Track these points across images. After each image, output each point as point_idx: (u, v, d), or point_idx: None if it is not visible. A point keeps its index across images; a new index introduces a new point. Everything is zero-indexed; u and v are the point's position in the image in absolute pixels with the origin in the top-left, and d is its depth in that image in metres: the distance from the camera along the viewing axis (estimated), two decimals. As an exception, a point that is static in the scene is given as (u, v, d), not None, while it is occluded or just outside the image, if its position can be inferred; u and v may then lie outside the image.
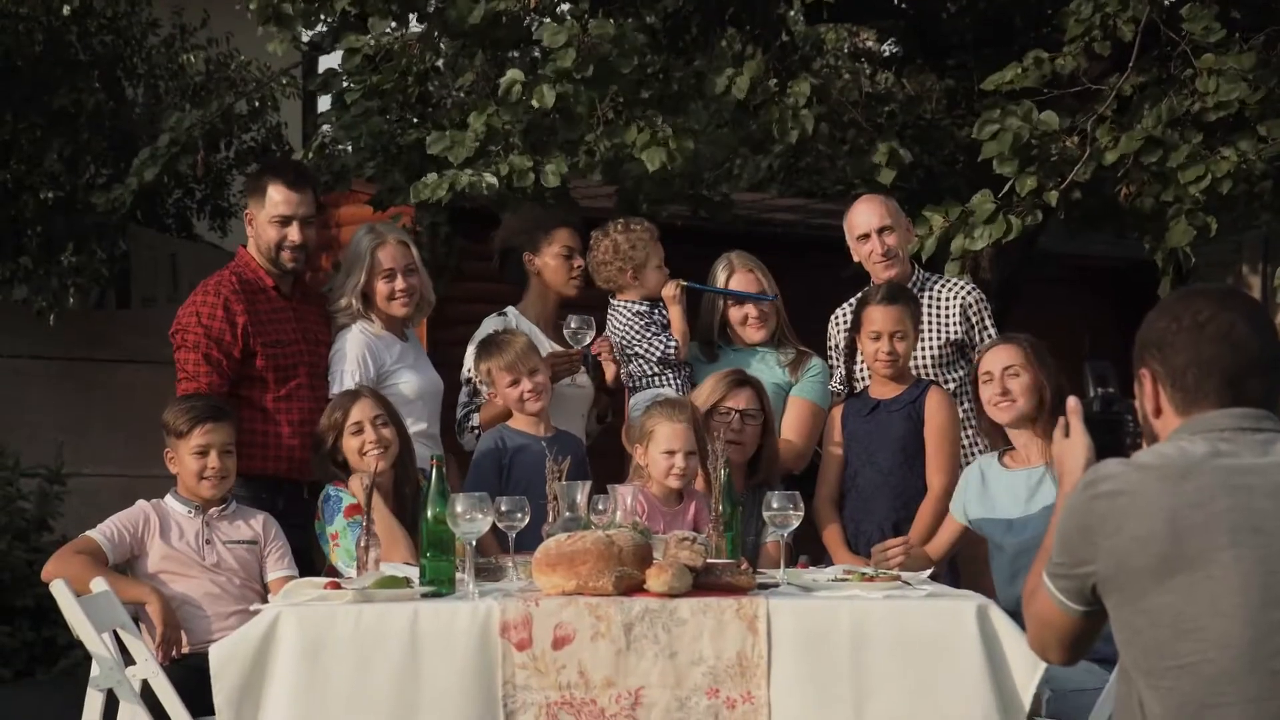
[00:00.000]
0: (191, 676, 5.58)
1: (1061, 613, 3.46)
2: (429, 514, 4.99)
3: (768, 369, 7.03)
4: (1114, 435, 3.89)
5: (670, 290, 7.07)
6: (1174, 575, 3.19)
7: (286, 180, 6.85)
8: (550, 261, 7.15)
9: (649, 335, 7.05)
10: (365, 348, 6.75)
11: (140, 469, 10.98)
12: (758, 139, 10.06)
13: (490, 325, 7.01)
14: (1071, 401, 3.87)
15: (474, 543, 4.93)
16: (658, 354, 7.03)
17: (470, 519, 4.88)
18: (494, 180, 8.11)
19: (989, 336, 7.18)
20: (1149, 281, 13.38)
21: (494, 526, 5.08)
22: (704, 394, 6.59)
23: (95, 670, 5.41)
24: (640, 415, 6.44)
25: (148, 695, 5.41)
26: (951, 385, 7.08)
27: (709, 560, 5.00)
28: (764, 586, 5.05)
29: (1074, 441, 3.80)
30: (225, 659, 4.69)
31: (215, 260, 11.31)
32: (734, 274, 7.13)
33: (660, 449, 6.18)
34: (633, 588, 4.80)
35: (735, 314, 7.13)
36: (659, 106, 8.69)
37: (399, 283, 6.83)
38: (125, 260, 11.47)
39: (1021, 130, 7.92)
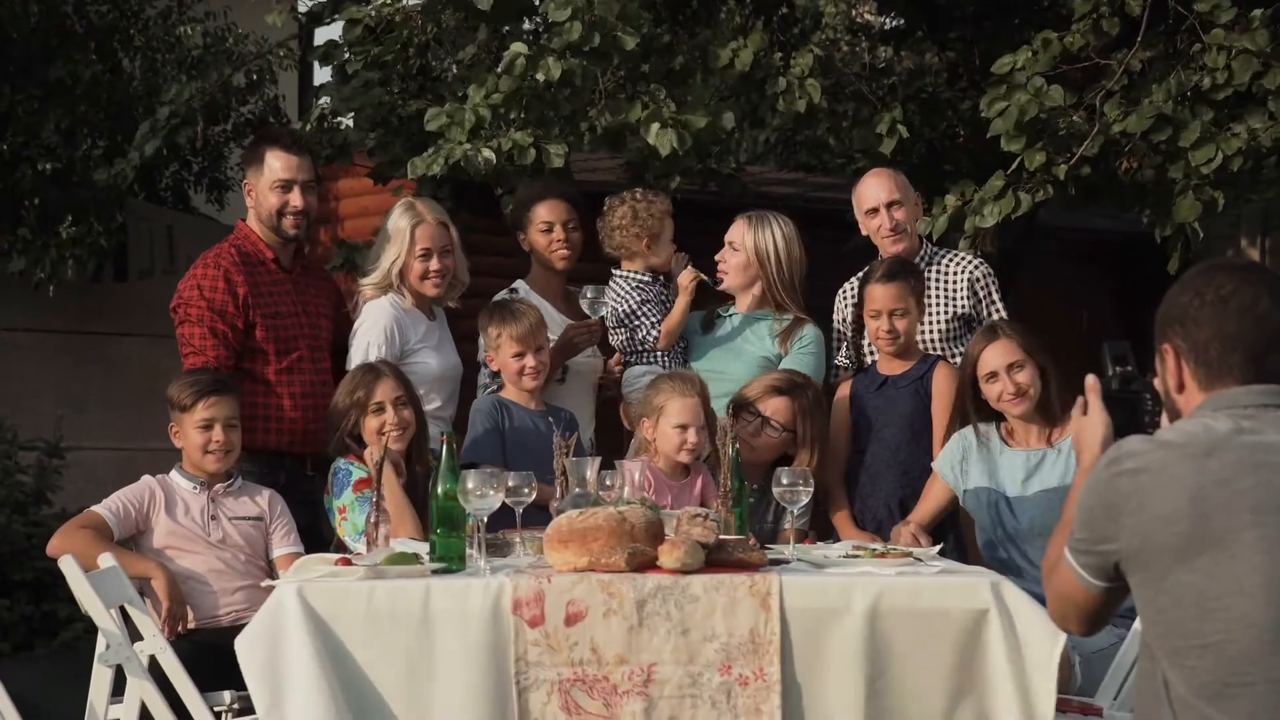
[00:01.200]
0: (197, 652, 5.60)
1: (1083, 588, 3.45)
2: (439, 490, 4.95)
3: (758, 339, 7.03)
4: (1132, 413, 3.88)
5: (687, 278, 7.03)
6: (1198, 554, 3.18)
7: (284, 146, 6.85)
8: (534, 237, 7.14)
9: (642, 312, 7.03)
10: (394, 321, 6.72)
11: (138, 442, 10.96)
12: (758, 112, 10.02)
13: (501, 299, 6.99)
14: (1090, 380, 3.87)
15: (485, 519, 4.90)
16: (640, 334, 7.01)
17: (481, 495, 4.85)
18: (491, 155, 8.06)
19: (997, 311, 7.18)
20: (1146, 256, 13.39)
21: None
22: (752, 385, 6.62)
23: (103, 646, 5.39)
24: (648, 390, 6.43)
25: (154, 670, 5.39)
26: (958, 360, 7.05)
27: (721, 537, 4.97)
28: (775, 563, 5.03)
29: (1092, 419, 3.80)
30: (251, 642, 4.65)
31: (212, 233, 11.27)
32: (737, 219, 7.17)
33: (672, 423, 6.20)
34: (645, 564, 4.77)
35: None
36: (663, 80, 8.65)
37: (434, 263, 6.81)
38: (122, 233, 11.41)
39: (1029, 105, 7.89)
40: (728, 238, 7.10)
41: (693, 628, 4.68)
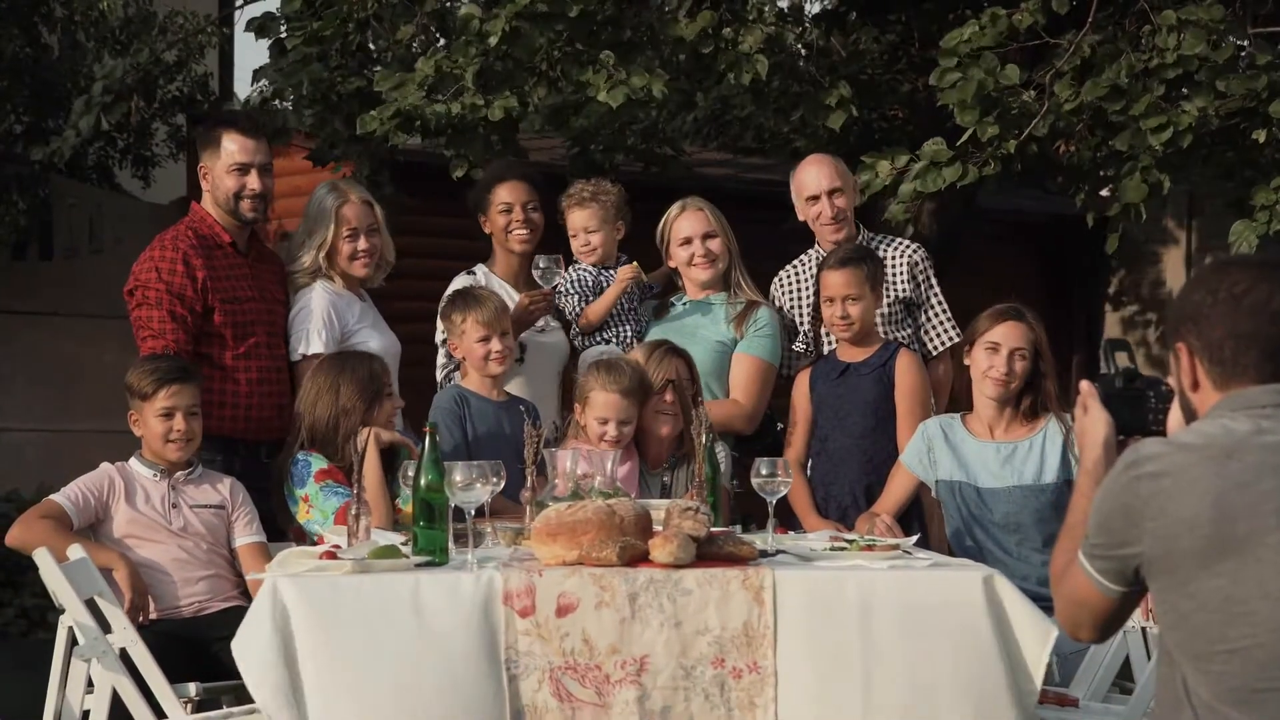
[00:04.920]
0: (159, 642, 5.53)
1: (1100, 593, 3.42)
2: (422, 482, 4.91)
3: (714, 325, 6.97)
4: (1136, 411, 3.87)
5: (628, 273, 6.97)
6: (1222, 558, 3.16)
7: (240, 129, 6.78)
8: (494, 219, 7.08)
9: (570, 298, 7.03)
10: (330, 306, 6.67)
11: (63, 423, 10.84)
12: (700, 87, 10.01)
13: (460, 283, 6.94)
14: (1084, 385, 3.85)
15: (473, 512, 4.86)
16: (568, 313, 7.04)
17: (468, 488, 4.80)
18: (442, 109, 8.05)
19: (934, 294, 7.19)
20: (1072, 236, 13.51)
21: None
22: (645, 360, 6.52)
23: (73, 640, 5.35)
24: (583, 375, 6.41)
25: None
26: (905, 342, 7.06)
27: (711, 530, 4.94)
28: (761, 555, 5.01)
29: (1094, 418, 3.77)
30: (248, 641, 4.57)
31: (138, 211, 11.13)
32: (684, 211, 7.06)
33: (594, 415, 6.16)
34: (636, 558, 4.74)
35: (682, 255, 7.05)
36: (613, 50, 8.64)
37: (361, 243, 6.76)
38: (47, 211, 11.26)
39: (985, 81, 7.91)
40: (696, 231, 6.99)
41: (685, 621, 4.66)
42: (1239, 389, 3.36)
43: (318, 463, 6.06)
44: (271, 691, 4.52)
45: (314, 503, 6.01)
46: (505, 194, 7.04)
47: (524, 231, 7.04)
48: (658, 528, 4.91)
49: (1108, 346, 4.08)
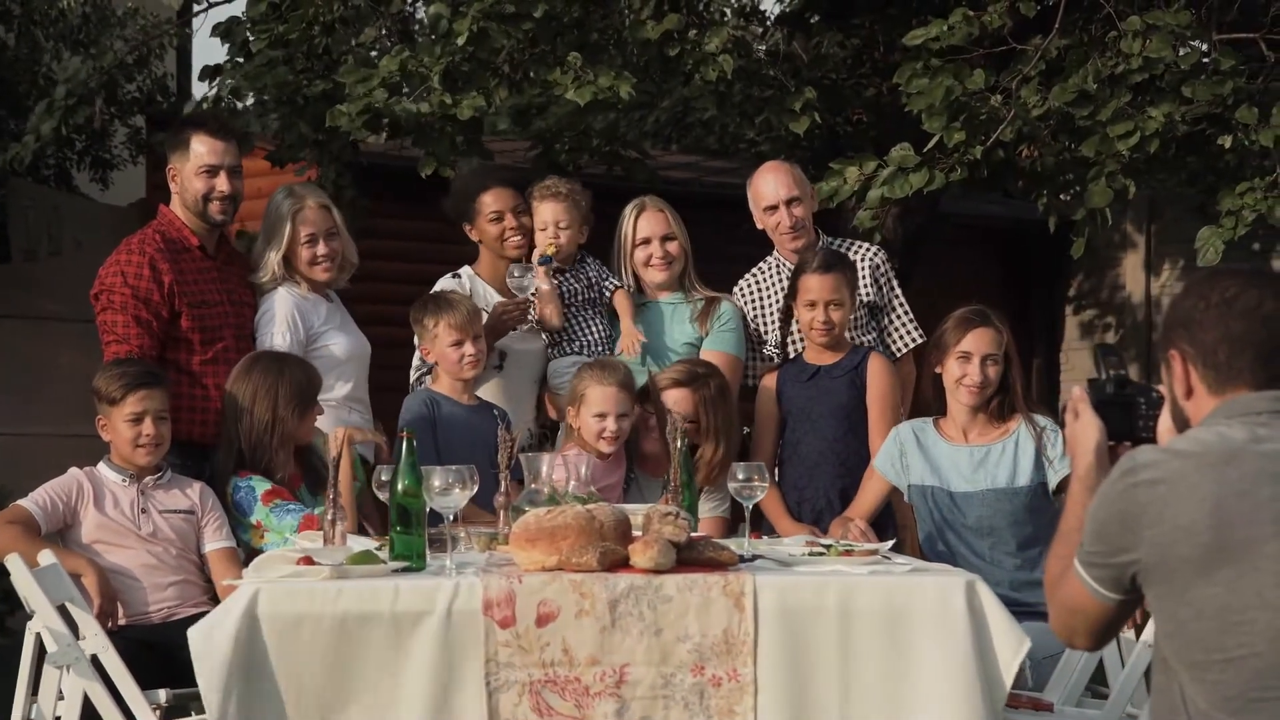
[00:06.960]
0: (129, 648, 5.47)
1: (1096, 601, 3.40)
2: (399, 487, 4.86)
3: (679, 325, 6.98)
4: (1127, 417, 3.86)
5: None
6: (1220, 566, 3.14)
7: (210, 130, 6.74)
8: (485, 228, 7.03)
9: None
10: (294, 309, 6.63)
11: (22, 427, 10.73)
12: (663, 87, 10.00)
13: (444, 285, 6.91)
14: (1076, 390, 3.84)
15: (451, 517, 4.82)
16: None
17: (446, 492, 4.77)
18: (412, 107, 8.04)
19: (897, 297, 7.19)
20: (1035, 241, 13.53)
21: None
22: (659, 376, 6.59)
23: (36, 646, 5.33)
24: (573, 378, 6.39)
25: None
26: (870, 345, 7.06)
27: (691, 535, 4.92)
28: (740, 561, 4.98)
29: (1085, 424, 3.76)
30: (205, 636, 4.54)
31: (96, 214, 11.04)
32: (644, 212, 7.04)
33: (591, 412, 6.17)
34: (616, 564, 4.71)
35: (640, 256, 7.04)
36: (579, 51, 8.64)
37: (320, 248, 6.72)
38: (3, 213, 11.16)
39: (953, 87, 7.93)
40: (655, 233, 6.98)
41: (666, 628, 4.62)
42: (1234, 394, 3.35)
43: (261, 485, 6.00)
44: (219, 697, 4.49)
45: (269, 526, 5.95)
46: (493, 202, 7.00)
47: (518, 238, 7.00)
48: (637, 533, 4.88)
49: (1100, 352, 4.06)
